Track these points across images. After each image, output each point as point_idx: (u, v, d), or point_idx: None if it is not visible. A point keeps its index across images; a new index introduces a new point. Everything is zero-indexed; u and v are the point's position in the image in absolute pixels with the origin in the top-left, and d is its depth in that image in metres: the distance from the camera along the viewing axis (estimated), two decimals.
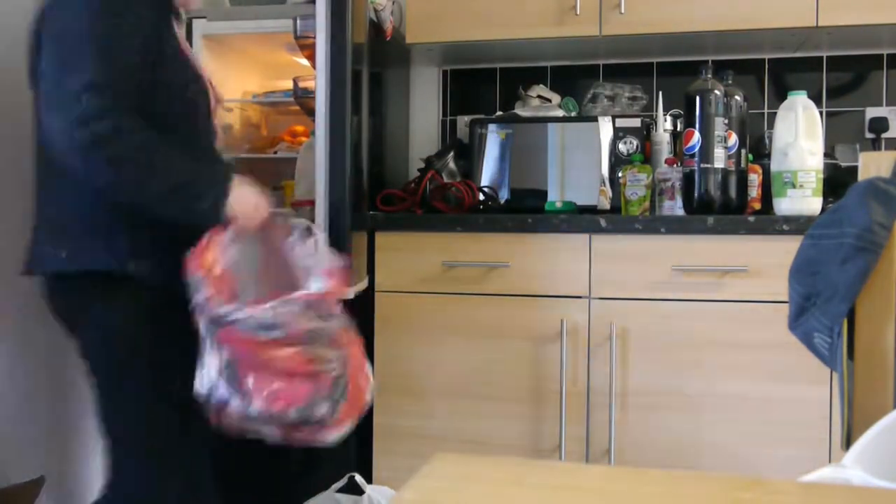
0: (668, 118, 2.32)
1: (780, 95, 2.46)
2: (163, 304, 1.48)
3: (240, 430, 1.48)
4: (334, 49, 1.66)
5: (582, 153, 2.32)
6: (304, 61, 2.41)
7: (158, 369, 1.50)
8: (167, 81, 1.46)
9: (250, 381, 1.42)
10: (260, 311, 1.39)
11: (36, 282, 1.56)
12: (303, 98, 2.33)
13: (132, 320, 1.48)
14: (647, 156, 2.28)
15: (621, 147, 2.29)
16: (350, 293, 1.72)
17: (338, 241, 1.69)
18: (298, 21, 2.17)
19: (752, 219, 1.91)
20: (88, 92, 1.28)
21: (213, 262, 1.41)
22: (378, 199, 2.20)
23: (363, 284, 1.93)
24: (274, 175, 2.53)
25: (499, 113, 2.57)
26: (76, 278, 1.46)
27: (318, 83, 1.67)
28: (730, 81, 2.05)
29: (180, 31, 1.57)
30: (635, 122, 2.31)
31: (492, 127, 2.38)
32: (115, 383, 1.50)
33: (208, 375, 1.43)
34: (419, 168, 2.36)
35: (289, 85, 2.40)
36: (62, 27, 1.35)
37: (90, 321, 1.49)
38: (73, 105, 1.28)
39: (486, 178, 2.38)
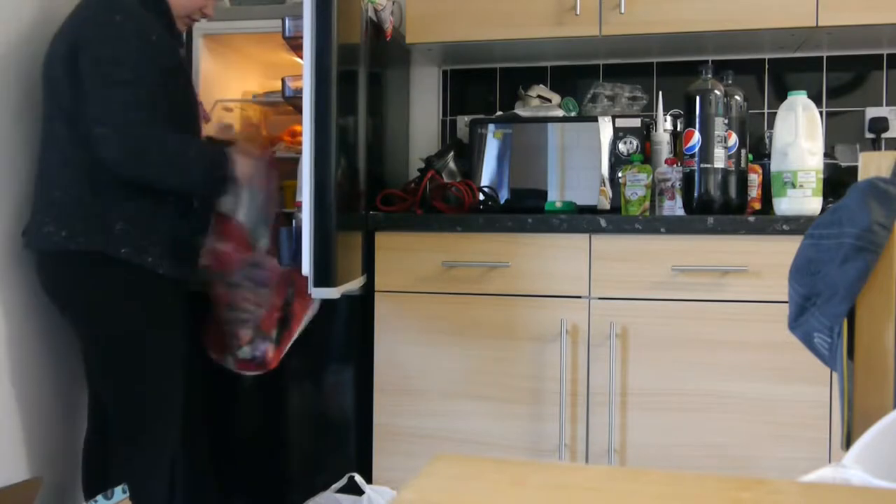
0: (668, 118, 2.32)
1: (780, 95, 2.46)
2: (146, 284, 1.74)
3: None
4: (319, 48, 1.65)
5: (582, 153, 2.32)
6: (302, 61, 2.41)
7: (143, 343, 1.76)
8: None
9: None
10: None
11: (33, 263, 1.77)
12: (292, 98, 2.33)
13: (120, 297, 1.73)
14: (647, 156, 2.28)
15: (621, 147, 2.29)
16: (336, 293, 1.75)
17: (323, 241, 1.68)
18: (287, 21, 2.16)
19: (752, 219, 1.91)
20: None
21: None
22: (378, 199, 2.20)
23: (355, 284, 1.93)
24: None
25: (499, 113, 2.56)
26: (72, 255, 1.69)
27: (305, 82, 1.67)
28: (730, 81, 2.05)
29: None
30: (635, 122, 2.31)
31: (492, 127, 2.38)
32: (106, 356, 1.76)
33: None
34: (419, 168, 2.36)
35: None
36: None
37: (82, 297, 1.72)
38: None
39: (486, 178, 2.38)
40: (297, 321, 1.96)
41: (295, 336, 1.97)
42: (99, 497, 1.59)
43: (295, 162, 2.41)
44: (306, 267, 1.70)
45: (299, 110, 1.72)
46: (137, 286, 1.73)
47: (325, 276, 1.69)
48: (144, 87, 1.68)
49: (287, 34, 2.17)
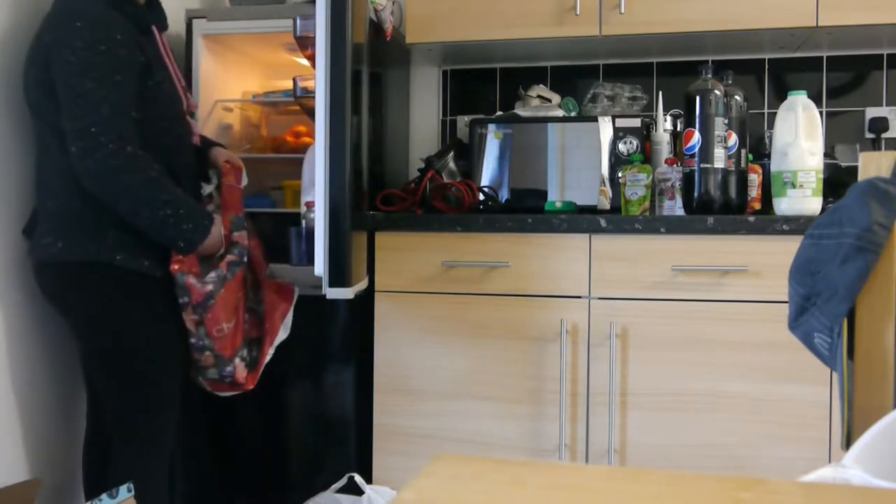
0: (668, 118, 2.32)
1: (780, 95, 2.46)
2: (144, 288, 1.74)
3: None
4: (334, 49, 1.66)
5: (582, 153, 2.32)
6: (304, 61, 2.41)
7: (144, 345, 1.76)
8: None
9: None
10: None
11: (32, 269, 1.78)
12: (302, 98, 2.33)
13: (120, 302, 1.74)
14: (647, 156, 2.28)
15: (621, 147, 2.29)
16: (350, 293, 1.74)
17: (338, 241, 1.69)
18: (299, 21, 2.17)
19: (752, 219, 1.91)
20: None
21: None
22: (378, 199, 2.20)
23: (363, 284, 1.93)
24: (276, 175, 2.53)
25: (499, 113, 2.56)
26: (70, 266, 1.70)
27: (318, 83, 1.67)
28: (730, 81, 2.05)
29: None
30: (635, 122, 2.31)
31: (492, 127, 2.38)
32: (108, 360, 1.76)
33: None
34: (419, 168, 2.36)
35: (288, 85, 2.40)
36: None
37: (83, 305, 1.75)
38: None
39: (486, 178, 2.38)
40: (268, 343, 1.92)
41: (268, 358, 1.92)
42: (104, 496, 1.59)
43: (295, 162, 2.42)
44: (320, 267, 1.70)
45: (308, 110, 1.71)
46: (135, 290, 1.74)
47: (340, 276, 1.70)
48: (117, 95, 1.63)
49: (298, 34, 2.18)
